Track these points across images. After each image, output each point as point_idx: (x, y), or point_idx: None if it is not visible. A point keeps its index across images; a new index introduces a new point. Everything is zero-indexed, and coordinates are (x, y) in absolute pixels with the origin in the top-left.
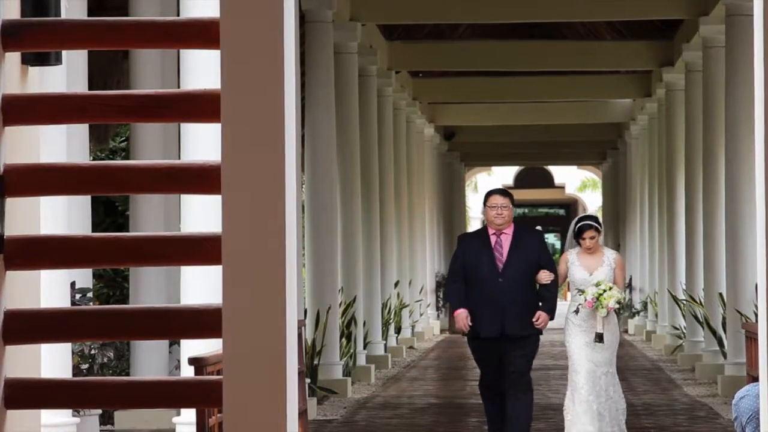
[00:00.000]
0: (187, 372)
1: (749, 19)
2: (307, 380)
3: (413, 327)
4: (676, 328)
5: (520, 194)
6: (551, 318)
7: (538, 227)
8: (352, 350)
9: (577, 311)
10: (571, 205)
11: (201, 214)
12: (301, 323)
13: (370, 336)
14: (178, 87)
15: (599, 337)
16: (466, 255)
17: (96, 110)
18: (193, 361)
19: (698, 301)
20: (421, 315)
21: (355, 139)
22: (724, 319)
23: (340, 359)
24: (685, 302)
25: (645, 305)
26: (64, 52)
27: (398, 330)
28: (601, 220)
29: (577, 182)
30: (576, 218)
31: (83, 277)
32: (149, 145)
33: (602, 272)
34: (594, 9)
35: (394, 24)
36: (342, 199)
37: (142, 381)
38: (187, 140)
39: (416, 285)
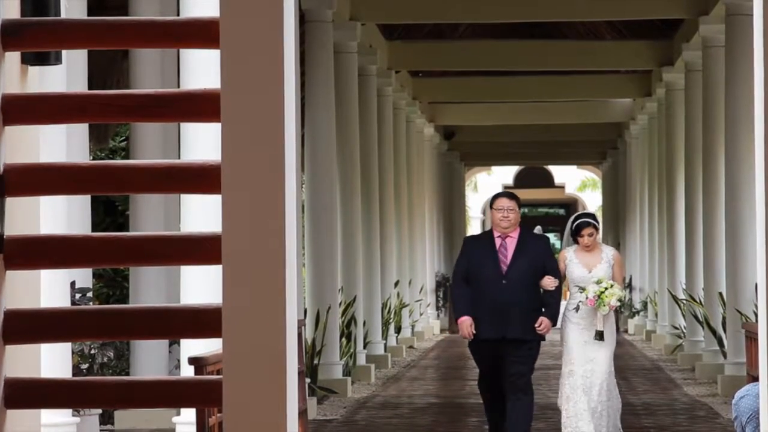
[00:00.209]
0: (187, 372)
1: (749, 18)
2: (307, 380)
3: (413, 327)
4: (676, 328)
5: (520, 194)
6: (554, 324)
7: (538, 227)
8: (352, 350)
9: (577, 309)
10: (571, 205)
11: (201, 214)
12: (301, 323)
13: (370, 336)
14: (178, 87)
15: (599, 335)
16: (471, 257)
17: (96, 110)
18: (193, 360)
19: (698, 301)
20: (421, 315)
21: (355, 138)
22: (724, 318)
23: (340, 359)
24: (685, 302)
25: (645, 305)
26: (63, 52)
27: (398, 330)
28: (598, 217)
29: (577, 182)
30: (573, 216)
31: (83, 277)
32: (149, 145)
33: (601, 269)
34: (594, 9)
35: (394, 24)
36: (342, 198)
37: (142, 381)
38: (187, 140)
39: (416, 285)
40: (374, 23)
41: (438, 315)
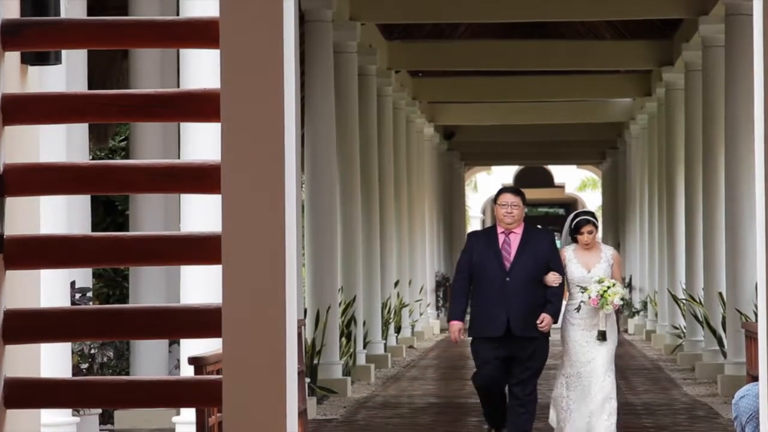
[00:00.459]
0: (187, 372)
1: (749, 18)
2: (307, 380)
3: (413, 326)
4: (676, 328)
5: None
6: (555, 321)
7: (538, 227)
8: (351, 350)
9: (578, 309)
10: (570, 205)
11: (201, 214)
12: (301, 323)
13: (369, 335)
14: (178, 87)
15: (602, 335)
16: (474, 253)
17: (96, 110)
18: (193, 360)
19: (698, 301)
20: (420, 314)
21: (355, 138)
22: (723, 318)
23: (340, 359)
24: (684, 302)
25: (645, 305)
26: (63, 52)
27: (398, 329)
28: (597, 215)
29: (577, 182)
30: (572, 214)
31: (83, 276)
32: (149, 145)
33: (600, 269)
34: (594, 9)
35: (394, 24)
36: (342, 198)
37: (142, 381)
38: (187, 140)
39: (416, 285)
40: (374, 23)
41: (438, 315)
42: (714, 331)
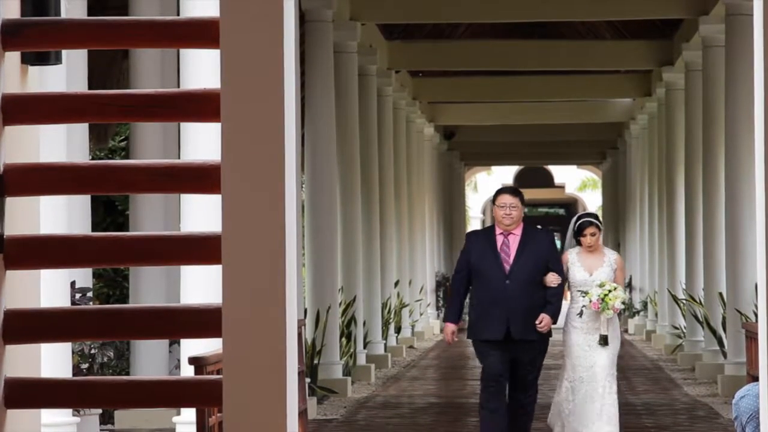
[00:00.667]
0: (187, 372)
1: (749, 18)
2: (307, 380)
3: (413, 326)
4: (676, 328)
5: None
6: (554, 321)
7: (539, 227)
8: (352, 350)
9: (581, 314)
10: (571, 205)
11: (201, 214)
12: (301, 323)
13: (370, 335)
14: (178, 87)
15: (604, 340)
16: (472, 254)
17: (96, 110)
18: (193, 360)
19: (698, 301)
20: (421, 315)
21: (355, 138)
22: (724, 318)
23: (340, 359)
24: (685, 302)
25: (645, 305)
26: (64, 52)
27: (398, 329)
28: (600, 218)
29: (577, 182)
30: (576, 216)
31: (83, 276)
32: (149, 145)
33: (603, 273)
34: (594, 8)
35: (394, 24)
36: (342, 198)
37: (142, 381)
38: (187, 140)
39: (416, 285)
40: (374, 23)
41: (438, 315)
42: (714, 331)
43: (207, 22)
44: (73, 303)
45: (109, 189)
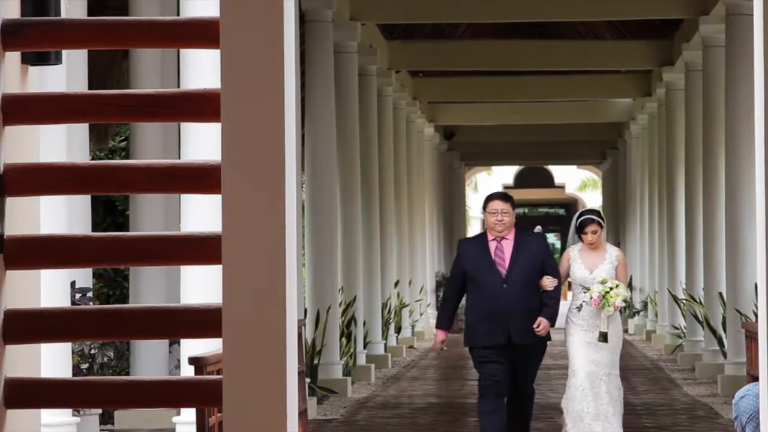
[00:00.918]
0: (187, 372)
1: (749, 18)
2: (307, 380)
3: (413, 327)
4: (676, 328)
5: (520, 194)
6: (552, 325)
7: (539, 227)
8: (352, 350)
9: (580, 308)
10: (571, 205)
11: (201, 214)
12: (301, 323)
13: (370, 335)
14: (178, 87)
15: (603, 337)
16: (466, 262)
17: (96, 110)
18: (193, 360)
19: (698, 301)
20: (421, 315)
21: (355, 138)
22: (724, 318)
23: (340, 359)
24: (685, 302)
25: (645, 305)
26: (64, 52)
27: (398, 330)
28: (602, 214)
29: (577, 182)
30: (578, 212)
31: (83, 276)
32: (149, 145)
33: (603, 270)
34: (594, 8)
35: (394, 24)
36: (342, 198)
37: (142, 381)
38: (187, 140)
39: (416, 285)
40: (374, 23)
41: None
42: (714, 331)
43: (207, 22)
44: (73, 303)
45: (109, 189)
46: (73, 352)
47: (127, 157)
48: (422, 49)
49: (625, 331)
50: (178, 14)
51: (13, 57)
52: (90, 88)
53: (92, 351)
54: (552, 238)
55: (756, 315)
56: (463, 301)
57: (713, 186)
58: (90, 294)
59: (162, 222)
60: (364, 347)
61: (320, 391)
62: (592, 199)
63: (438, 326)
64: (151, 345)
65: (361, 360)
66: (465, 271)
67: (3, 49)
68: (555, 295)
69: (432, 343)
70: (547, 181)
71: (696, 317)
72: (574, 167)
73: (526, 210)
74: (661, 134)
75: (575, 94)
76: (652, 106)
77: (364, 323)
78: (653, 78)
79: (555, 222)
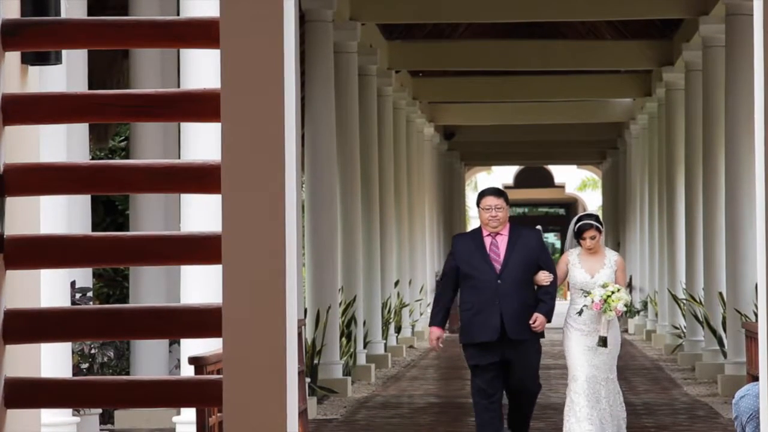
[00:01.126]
0: (187, 371)
1: (749, 18)
2: (307, 380)
3: (413, 326)
4: (676, 328)
5: (520, 194)
6: (548, 320)
7: (538, 227)
8: (352, 350)
9: (580, 313)
10: (571, 205)
11: (201, 214)
12: (301, 323)
13: (370, 335)
14: (178, 87)
15: (603, 341)
16: (460, 258)
17: (96, 110)
18: (193, 360)
19: (698, 301)
20: (421, 314)
21: (355, 138)
22: (724, 318)
23: (340, 359)
24: (685, 302)
25: (645, 305)
26: (64, 52)
27: (398, 329)
28: (601, 218)
29: (577, 182)
30: (576, 217)
31: (83, 276)
32: (149, 145)
33: (604, 274)
34: (594, 8)
35: (394, 24)
36: (342, 198)
37: (142, 381)
38: (187, 140)
39: (416, 284)
40: (374, 23)
41: None
42: (714, 331)
43: (207, 22)
44: (73, 303)
45: (109, 189)
46: (73, 352)
47: (127, 157)
48: (422, 49)
49: (625, 331)
50: (178, 14)
51: (13, 57)
52: (90, 88)
53: (92, 351)
54: (552, 238)
55: (756, 315)
56: (457, 299)
57: (713, 186)
58: (90, 294)
59: (162, 222)
60: (364, 347)
61: (320, 391)
62: (592, 198)
63: (432, 324)
64: (151, 345)
65: (361, 360)
66: (459, 267)
67: (3, 49)
68: (551, 291)
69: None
70: (547, 181)
71: (696, 317)
72: (574, 167)
73: (526, 210)
74: (661, 134)
75: (575, 94)
76: (652, 106)
77: (364, 323)
78: (653, 78)
79: (555, 222)
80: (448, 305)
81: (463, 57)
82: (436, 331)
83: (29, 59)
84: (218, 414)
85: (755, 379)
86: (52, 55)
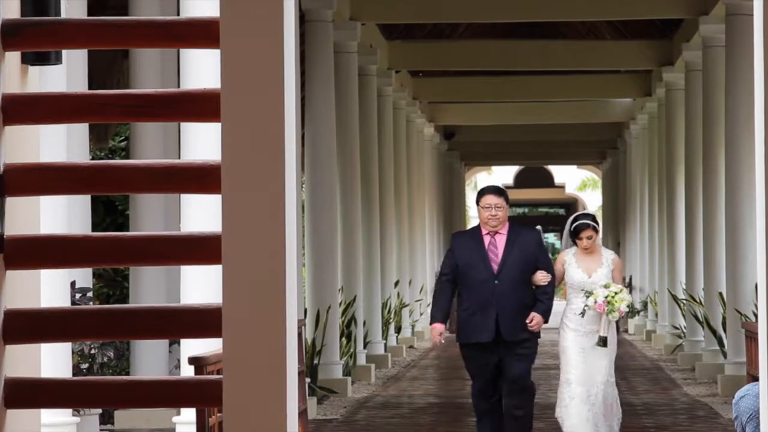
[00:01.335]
0: (187, 372)
1: (749, 18)
2: (307, 380)
3: (413, 326)
4: (676, 328)
5: (520, 194)
6: (546, 321)
7: (538, 227)
8: (352, 350)
9: (583, 314)
10: (571, 205)
11: (201, 214)
12: (301, 323)
13: (370, 335)
14: (178, 87)
15: (603, 341)
16: (459, 256)
17: (96, 110)
18: (193, 360)
19: (698, 301)
20: (421, 314)
21: (355, 138)
22: (724, 318)
23: (340, 359)
24: (685, 302)
25: (645, 305)
26: (64, 52)
27: (398, 329)
28: (598, 218)
29: (577, 182)
30: (572, 217)
31: (83, 276)
32: (149, 145)
33: (602, 273)
34: (594, 8)
35: (394, 23)
36: (342, 198)
37: (142, 381)
38: (187, 140)
39: (416, 284)
40: (374, 23)
41: None
42: (714, 331)
43: (207, 22)
44: (73, 303)
45: (109, 189)
46: (73, 352)
47: (127, 157)
48: (422, 49)
49: (625, 331)
50: (178, 14)
51: (13, 57)
52: (90, 88)
53: (92, 351)
54: (552, 238)
55: (756, 315)
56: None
57: (713, 186)
58: (90, 294)
59: (162, 222)
60: (364, 347)
61: (320, 391)
62: (592, 199)
63: (433, 320)
64: (151, 345)
65: (361, 360)
66: (457, 265)
67: (3, 49)
68: (549, 291)
69: (431, 342)
70: (547, 181)
71: (696, 317)
72: (574, 167)
73: (526, 210)
74: (661, 134)
75: (575, 94)
76: (652, 106)
77: (364, 323)
78: (653, 78)
79: (555, 222)
80: (448, 303)
81: (463, 57)
82: (439, 327)
83: (29, 59)
84: (218, 414)
85: (755, 379)
86: (52, 55)
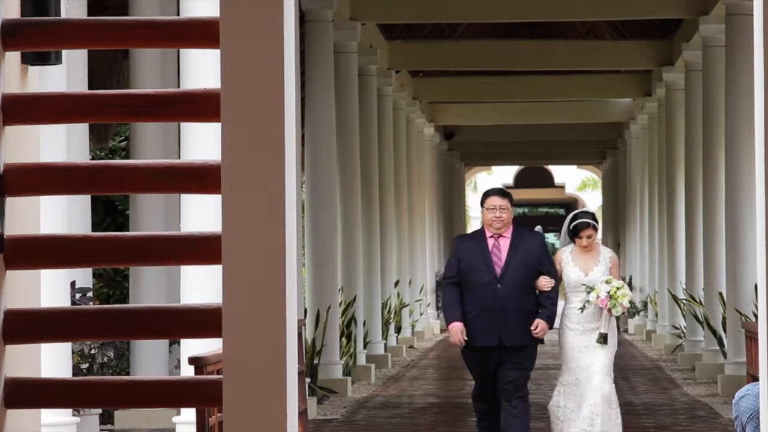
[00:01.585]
0: (187, 372)
1: (749, 18)
2: (307, 380)
3: (413, 326)
4: (676, 328)
5: (520, 194)
6: (550, 326)
7: (538, 227)
8: (352, 350)
9: (582, 309)
10: (571, 205)
11: (201, 214)
12: (301, 323)
13: (370, 335)
14: (178, 87)
15: (603, 338)
16: (462, 259)
17: (96, 110)
18: (193, 360)
19: (698, 301)
20: (421, 314)
21: (355, 138)
22: (724, 318)
23: (340, 359)
24: (685, 302)
25: (645, 305)
26: (64, 52)
27: (398, 329)
28: (597, 216)
29: (577, 182)
30: (571, 215)
31: (83, 276)
32: (149, 145)
33: (599, 272)
34: (594, 8)
35: (394, 24)
36: (342, 198)
37: (142, 381)
38: (187, 140)
39: (416, 284)
40: (374, 23)
41: (438, 315)
42: (714, 331)
43: (207, 22)
44: (73, 303)
45: (109, 189)
46: (73, 352)
47: (127, 157)
48: (422, 49)
49: (625, 331)
50: (178, 14)
51: (13, 57)
52: (90, 88)
53: (92, 351)
54: (552, 238)
55: (756, 315)
56: None
57: (713, 186)
58: (90, 294)
59: (162, 222)
60: (364, 347)
61: (320, 391)
62: (592, 199)
63: (452, 320)
64: (151, 345)
65: (361, 360)
66: (460, 268)
67: (3, 49)
68: (552, 296)
69: (432, 342)
70: (547, 181)
71: (696, 317)
72: (574, 167)
73: (526, 210)
74: (661, 134)
75: (575, 94)
76: (652, 106)
77: (364, 323)
78: (653, 78)
79: (555, 222)
80: (460, 302)
81: (463, 57)
82: (458, 325)
83: (29, 59)
84: (218, 414)
85: (755, 379)
86: (52, 55)
